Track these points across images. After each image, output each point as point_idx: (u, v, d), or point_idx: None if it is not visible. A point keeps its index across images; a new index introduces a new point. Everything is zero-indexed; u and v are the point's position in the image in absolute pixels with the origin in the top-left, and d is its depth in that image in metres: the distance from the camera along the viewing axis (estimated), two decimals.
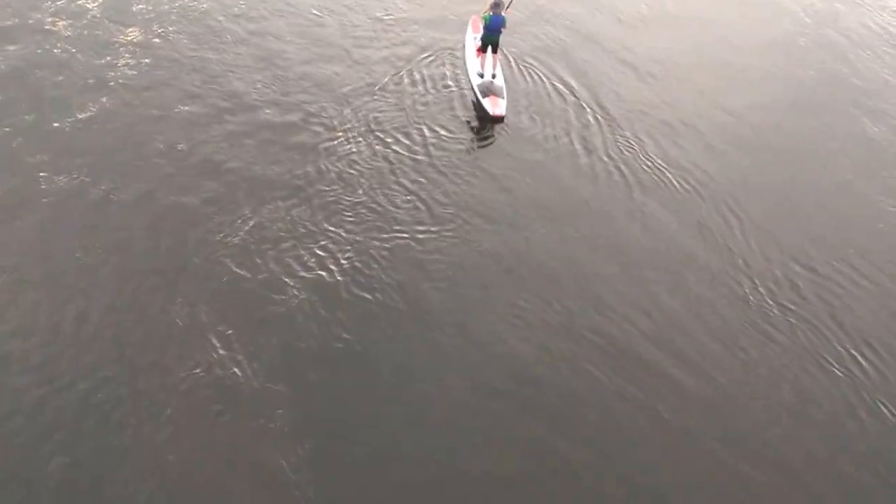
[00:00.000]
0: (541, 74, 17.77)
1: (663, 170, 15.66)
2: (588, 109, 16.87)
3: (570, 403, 11.46)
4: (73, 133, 14.31)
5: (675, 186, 15.35)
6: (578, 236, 14.09)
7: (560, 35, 19.31)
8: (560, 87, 17.44)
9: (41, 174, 13.46)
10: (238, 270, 12.49)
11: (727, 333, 12.73)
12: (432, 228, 13.71)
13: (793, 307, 13.31)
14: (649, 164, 15.76)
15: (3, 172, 13.38)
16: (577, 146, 16.00)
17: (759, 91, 18.59)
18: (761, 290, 13.52)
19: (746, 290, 13.46)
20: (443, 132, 15.81)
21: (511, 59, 18.05)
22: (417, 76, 17.09)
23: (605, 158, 15.77)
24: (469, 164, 15.27)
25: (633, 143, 16.22)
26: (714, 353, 12.41)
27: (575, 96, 17.23)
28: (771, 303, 13.33)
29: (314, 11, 18.45)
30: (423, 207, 14.05)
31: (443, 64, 17.60)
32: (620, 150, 16.00)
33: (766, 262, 14.03)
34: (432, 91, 16.79)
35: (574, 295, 12.99)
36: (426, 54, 17.77)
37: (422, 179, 14.65)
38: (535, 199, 14.68)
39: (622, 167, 15.62)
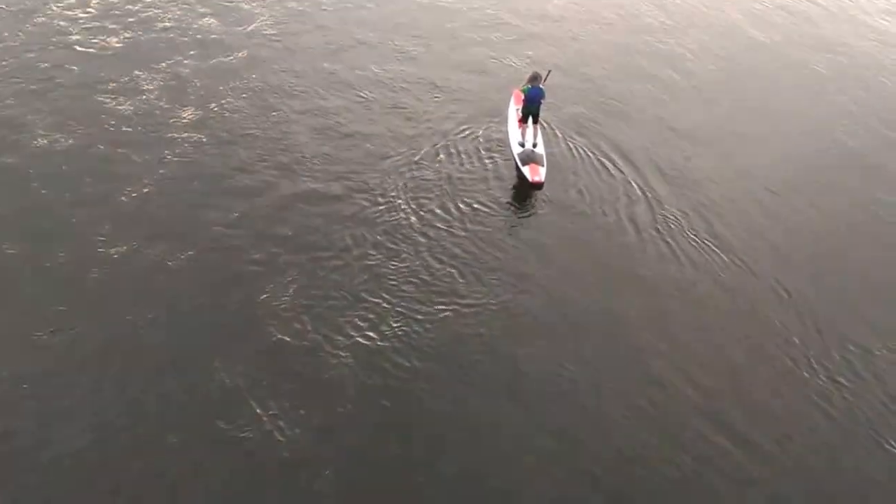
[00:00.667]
0: (582, 146, 18.15)
1: (710, 245, 15.79)
2: (634, 184, 17.10)
3: (618, 472, 11.56)
4: (131, 204, 15.06)
5: (723, 262, 15.46)
6: (624, 310, 14.23)
7: (601, 106, 19.74)
8: (602, 158, 17.77)
9: (100, 240, 14.21)
10: (281, 334, 12.90)
11: (784, 411, 12.78)
12: (473, 299, 13.96)
13: (848, 385, 13.33)
14: (695, 238, 15.90)
15: (66, 240, 14.15)
16: (620, 218, 16.24)
17: (803, 166, 18.69)
18: (815, 367, 13.55)
19: (801, 367, 13.52)
20: (484, 201, 16.21)
21: (552, 130, 18.47)
22: (459, 148, 17.58)
23: (651, 232, 15.97)
24: (510, 234, 15.62)
25: (678, 217, 16.40)
26: (769, 429, 12.45)
27: (618, 168, 17.52)
28: (825, 380, 13.37)
29: (359, 89, 19.13)
30: (462, 280, 14.33)
31: (483, 136, 18.09)
32: (667, 224, 16.18)
33: (819, 339, 14.07)
34: (473, 162, 17.26)
35: (621, 368, 13.13)
36: (467, 126, 18.29)
37: (463, 250, 14.97)
38: (577, 271, 14.91)
39: (669, 241, 15.79)
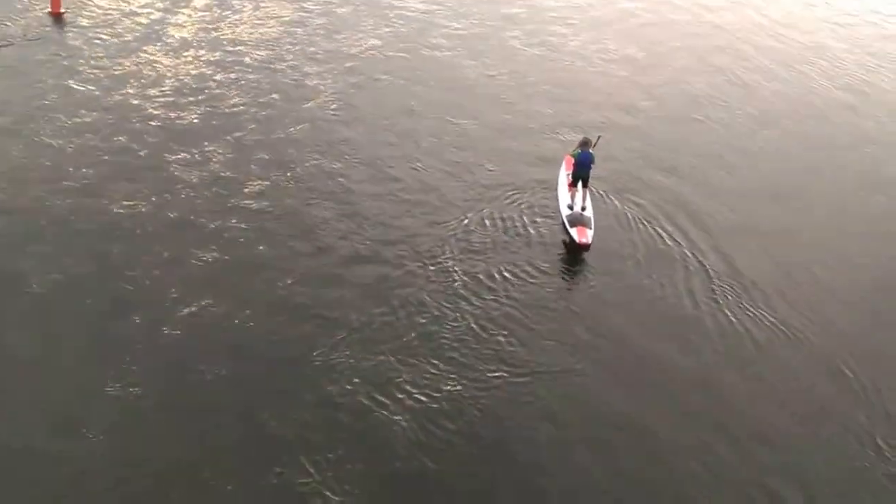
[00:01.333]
0: (635, 212, 18.87)
1: (768, 317, 16.04)
2: (689, 253, 17.61)
3: None
4: (200, 266, 16.24)
5: (782, 336, 15.67)
6: (678, 380, 14.57)
7: (654, 172, 20.49)
8: (655, 225, 18.41)
9: (172, 299, 15.35)
10: (334, 390, 13.75)
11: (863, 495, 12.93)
12: (522, 367, 14.51)
13: None
14: (753, 312, 16.15)
15: (140, 299, 15.30)
16: (675, 286, 16.69)
17: (865, 239, 18.98)
18: (882, 447, 13.65)
19: (867, 448, 13.61)
20: (532, 266, 16.95)
21: (603, 194, 19.25)
22: (507, 213, 18.45)
23: (707, 301, 16.36)
24: (559, 300, 16.26)
25: (737, 290, 16.73)
26: None
27: (670, 235, 18.12)
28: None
29: (414, 160, 20.17)
30: (511, 347, 14.94)
31: (531, 201, 18.95)
32: (726, 296, 16.52)
33: (886, 421, 14.16)
34: (521, 227, 18.09)
35: (674, 438, 13.41)
36: (515, 192, 19.19)
37: (512, 316, 15.60)
38: (628, 340, 15.34)
39: (726, 312, 16.12)
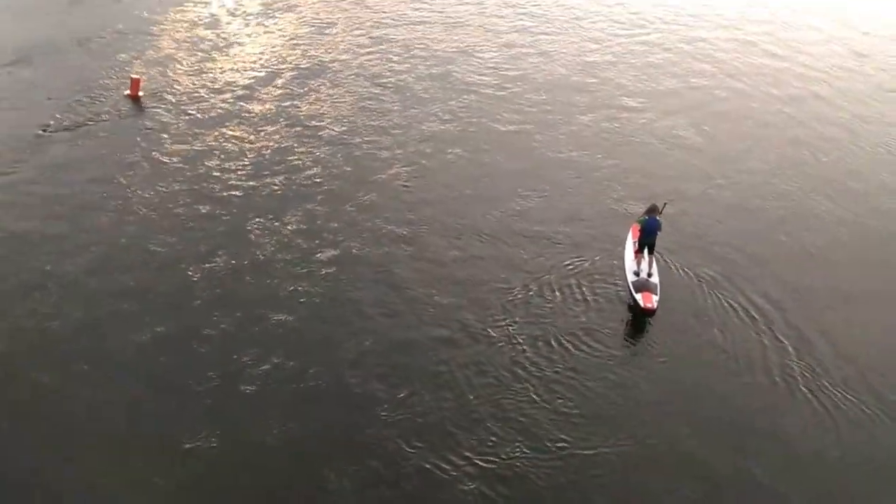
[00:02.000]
0: (702, 281, 19.24)
1: (855, 399, 16.09)
2: (766, 328, 17.87)
3: None
4: (275, 327, 17.16)
5: (872, 418, 15.70)
6: (756, 464, 14.65)
7: (724, 241, 20.90)
8: (724, 295, 18.71)
9: (247, 359, 16.25)
10: (397, 451, 14.43)
11: None
12: (585, 441, 14.92)
13: None
14: (838, 394, 16.21)
15: (218, 357, 16.27)
16: (751, 362, 16.92)
17: None
18: None
19: None
20: (596, 331, 17.53)
21: (668, 261, 19.69)
22: (573, 278, 19.05)
23: (786, 379, 16.53)
24: (622, 370, 16.69)
25: (815, 368, 16.86)
26: None
27: (743, 307, 18.41)
28: None
29: (479, 232, 20.86)
30: (575, 420, 15.39)
31: (595, 268, 19.51)
32: (804, 373, 16.66)
33: None
34: (586, 291, 18.68)
35: None
36: (581, 258, 19.79)
37: (575, 387, 16.09)
38: (698, 416, 15.65)
39: (804, 390, 16.26)
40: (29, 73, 26.84)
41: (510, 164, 23.84)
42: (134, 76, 26.16)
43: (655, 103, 27.69)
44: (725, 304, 18.47)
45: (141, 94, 25.72)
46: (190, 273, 18.52)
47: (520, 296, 18.38)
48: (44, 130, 23.56)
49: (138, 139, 23.56)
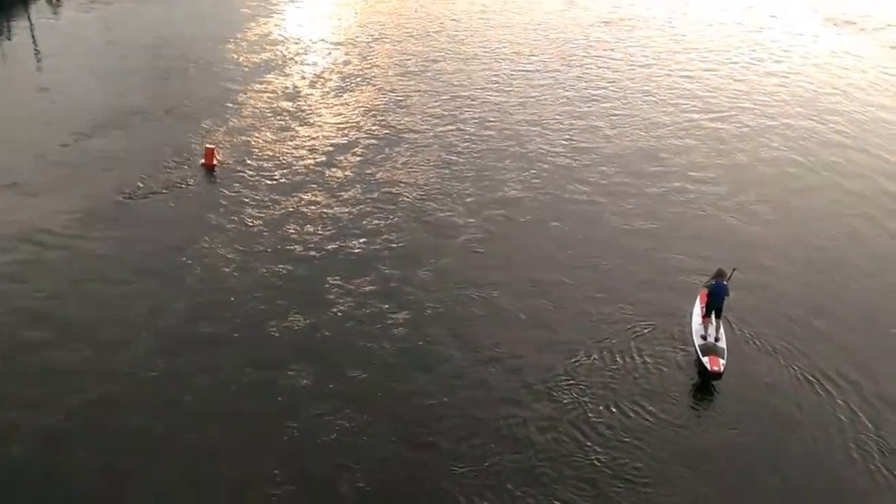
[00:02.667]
0: (771, 347, 19.70)
1: None
2: (839, 401, 18.14)
3: None
4: (352, 387, 18.21)
5: None
6: None
7: (794, 309, 21.32)
8: (804, 370, 19.02)
9: (317, 415, 17.25)
10: None
11: None
12: None
13: None
14: None
15: (294, 415, 17.31)
16: (829, 437, 17.14)
17: None
18: None
19: None
20: (661, 396, 18.10)
21: (735, 327, 20.19)
22: (638, 343, 19.67)
23: (863, 456, 16.70)
24: (687, 437, 17.16)
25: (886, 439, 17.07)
26: None
27: (815, 378, 18.74)
28: None
29: (545, 296, 21.69)
30: (640, 489, 15.85)
31: (664, 331, 20.13)
32: (882, 451, 16.81)
33: None
34: (653, 355, 19.30)
35: None
36: (647, 323, 20.41)
37: (640, 459, 16.53)
38: (767, 491, 15.92)
39: (884, 471, 16.35)
40: (116, 138, 28.75)
41: (580, 232, 24.66)
42: (209, 146, 27.70)
43: (726, 176, 28.31)
44: (797, 375, 18.84)
45: (216, 162, 27.21)
46: (271, 328, 19.72)
47: (585, 359, 19.09)
48: (126, 195, 25.18)
49: (218, 204, 25.03)
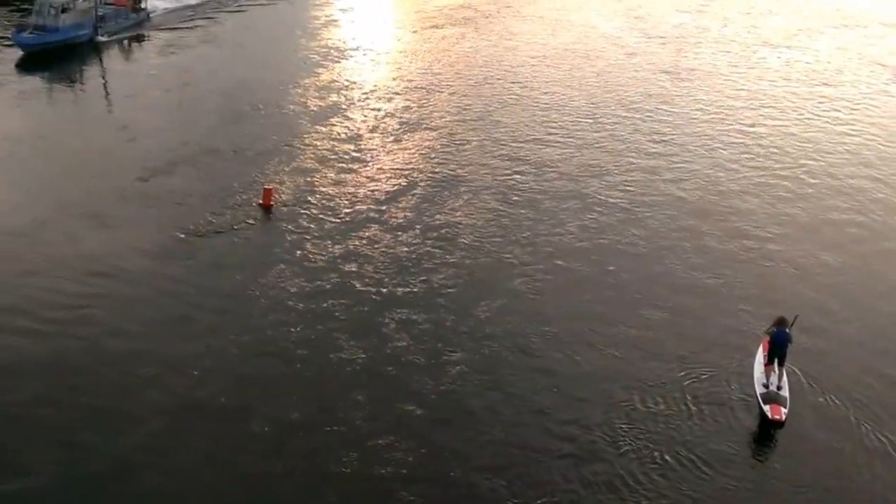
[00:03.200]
0: (836, 399, 19.49)
1: None
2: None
3: None
4: (402, 417, 18.55)
5: None
6: None
7: (860, 362, 21.07)
8: (863, 422, 18.81)
9: (379, 446, 17.68)
10: None
11: None
12: None
13: None
14: None
15: (352, 446, 17.71)
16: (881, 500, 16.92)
17: None
18: None
19: None
20: (719, 442, 18.10)
21: (798, 374, 20.04)
22: (695, 391, 19.67)
23: None
24: (748, 490, 16.99)
25: None
26: None
27: (884, 436, 18.44)
28: None
29: (603, 345, 21.72)
30: None
31: (724, 379, 20.13)
32: None
33: None
34: (711, 404, 19.29)
35: None
36: (707, 370, 20.40)
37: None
38: None
39: None
40: (185, 176, 29.76)
41: (636, 280, 24.74)
42: (267, 186, 28.41)
43: (787, 231, 28.12)
44: (863, 427, 18.59)
45: (274, 202, 27.88)
46: (330, 359, 20.27)
47: (641, 405, 19.14)
48: (187, 232, 25.90)
49: (278, 242, 25.76)
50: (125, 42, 45.94)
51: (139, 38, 46.54)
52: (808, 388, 19.71)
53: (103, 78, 41.74)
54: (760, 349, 20.23)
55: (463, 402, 19.15)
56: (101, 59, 43.45)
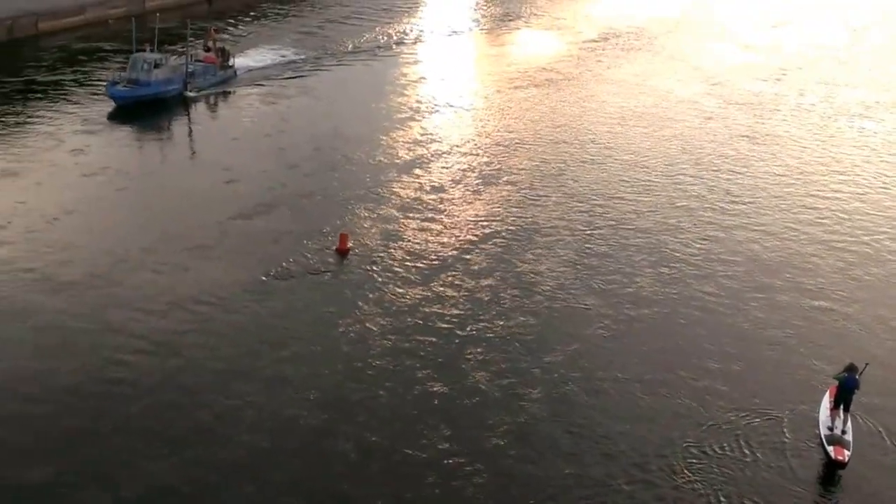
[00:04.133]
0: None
1: None
2: None
3: None
4: (480, 450, 20.27)
5: None
6: None
7: None
8: None
9: (458, 475, 19.36)
10: None
11: None
12: None
13: None
14: None
15: (430, 476, 19.52)
16: None
17: None
18: None
19: None
20: (783, 484, 19.32)
21: (861, 421, 21.27)
22: (760, 437, 21.03)
23: None
24: None
25: None
26: None
27: None
28: None
29: (671, 395, 23.15)
30: None
31: (789, 422, 21.50)
32: None
33: None
34: (775, 447, 20.67)
35: None
36: (771, 413, 21.78)
37: None
38: None
39: None
40: (262, 223, 31.67)
41: (707, 334, 26.05)
42: (343, 232, 30.33)
43: (857, 294, 29.08)
44: None
45: (349, 246, 29.78)
46: (412, 390, 22.07)
47: (708, 451, 20.49)
48: (267, 276, 27.83)
49: (365, 282, 27.67)
50: (213, 97, 48.33)
51: (226, 94, 48.90)
52: (871, 434, 20.88)
53: (195, 127, 44.47)
54: (827, 394, 21.50)
55: (535, 436, 20.71)
56: (190, 112, 45.84)
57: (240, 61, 52.30)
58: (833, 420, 20.31)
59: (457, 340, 24.66)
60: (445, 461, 19.66)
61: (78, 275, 27.06)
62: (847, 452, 19.47)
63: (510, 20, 71.01)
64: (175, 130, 44.48)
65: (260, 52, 55.64)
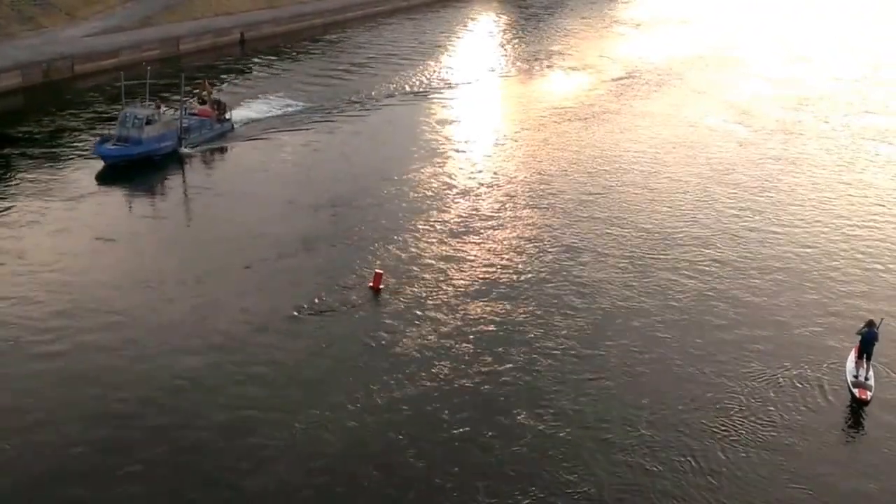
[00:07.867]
0: None
1: None
2: None
3: None
4: (504, 481, 22.96)
5: None
6: None
7: None
8: None
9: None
10: None
11: None
12: None
13: None
14: None
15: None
16: None
17: None
18: None
19: None
20: (812, 421, 24.81)
21: (881, 369, 26.89)
22: (794, 382, 26.51)
23: None
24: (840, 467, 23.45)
25: None
26: None
27: None
28: None
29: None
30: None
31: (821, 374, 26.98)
32: None
33: None
34: (809, 392, 26.15)
35: None
36: (807, 366, 27.33)
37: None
38: None
39: None
40: (296, 262, 34.73)
41: (744, 327, 30.52)
42: (378, 270, 32.63)
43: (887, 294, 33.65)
44: None
45: (382, 286, 32.02)
46: (430, 438, 24.48)
47: (760, 397, 25.96)
48: (298, 312, 30.48)
49: (368, 330, 29.69)
50: (209, 153, 48.13)
51: (223, 150, 48.95)
52: (890, 381, 26.41)
53: (198, 183, 45.22)
54: (853, 351, 27.15)
55: (555, 468, 23.27)
56: (194, 168, 46.76)
57: (239, 112, 53.09)
58: (857, 369, 26.22)
59: (473, 398, 26.24)
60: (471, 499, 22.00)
61: (120, 306, 30.36)
62: (869, 393, 25.39)
63: (535, 60, 76.16)
64: (174, 187, 45.04)
65: (262, 102, 56.75)
